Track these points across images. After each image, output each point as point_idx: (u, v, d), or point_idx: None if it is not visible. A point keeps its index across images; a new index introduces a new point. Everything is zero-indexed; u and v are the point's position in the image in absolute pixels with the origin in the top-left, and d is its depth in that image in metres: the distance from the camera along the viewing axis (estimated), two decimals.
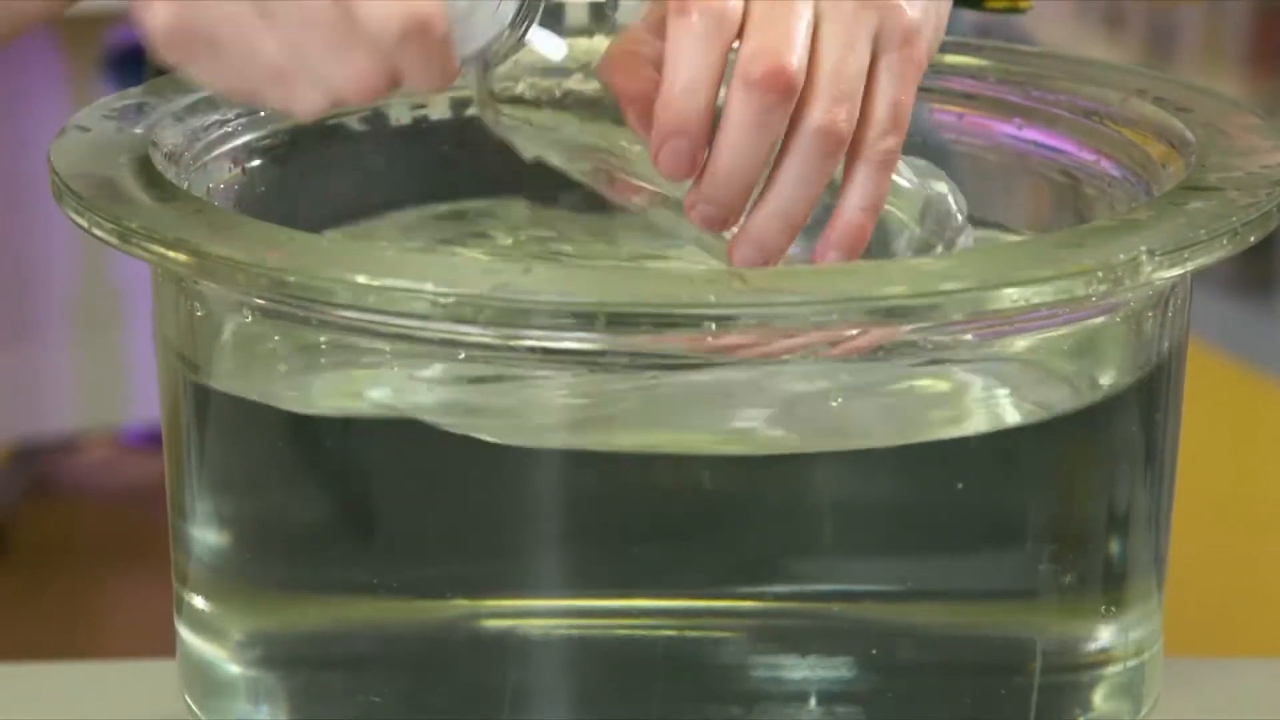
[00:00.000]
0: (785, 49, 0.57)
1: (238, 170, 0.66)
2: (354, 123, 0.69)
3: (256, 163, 0.66)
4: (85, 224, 0.58)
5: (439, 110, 0.69)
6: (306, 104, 0.57)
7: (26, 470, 2.17)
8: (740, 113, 0.57)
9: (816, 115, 0.57)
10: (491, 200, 0.70)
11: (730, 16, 0.57)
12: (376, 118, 0.69)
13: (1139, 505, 0.62)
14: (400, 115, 0.69)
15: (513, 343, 0.56)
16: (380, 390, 0.59)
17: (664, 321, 0.53)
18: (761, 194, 0.58)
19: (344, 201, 0.69)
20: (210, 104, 0.65)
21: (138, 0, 0.57)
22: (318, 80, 0.56)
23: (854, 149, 0.58)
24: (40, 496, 2.16)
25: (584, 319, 0.53)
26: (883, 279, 0.54)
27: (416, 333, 0.57)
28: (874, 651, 0.59)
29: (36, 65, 1.98)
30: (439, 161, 0.70)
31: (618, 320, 0.53)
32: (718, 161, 0.57)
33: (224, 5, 0.56)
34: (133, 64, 1.88)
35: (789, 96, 0.57)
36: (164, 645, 0.71)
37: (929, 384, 0.58)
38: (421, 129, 0.69)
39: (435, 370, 0.58)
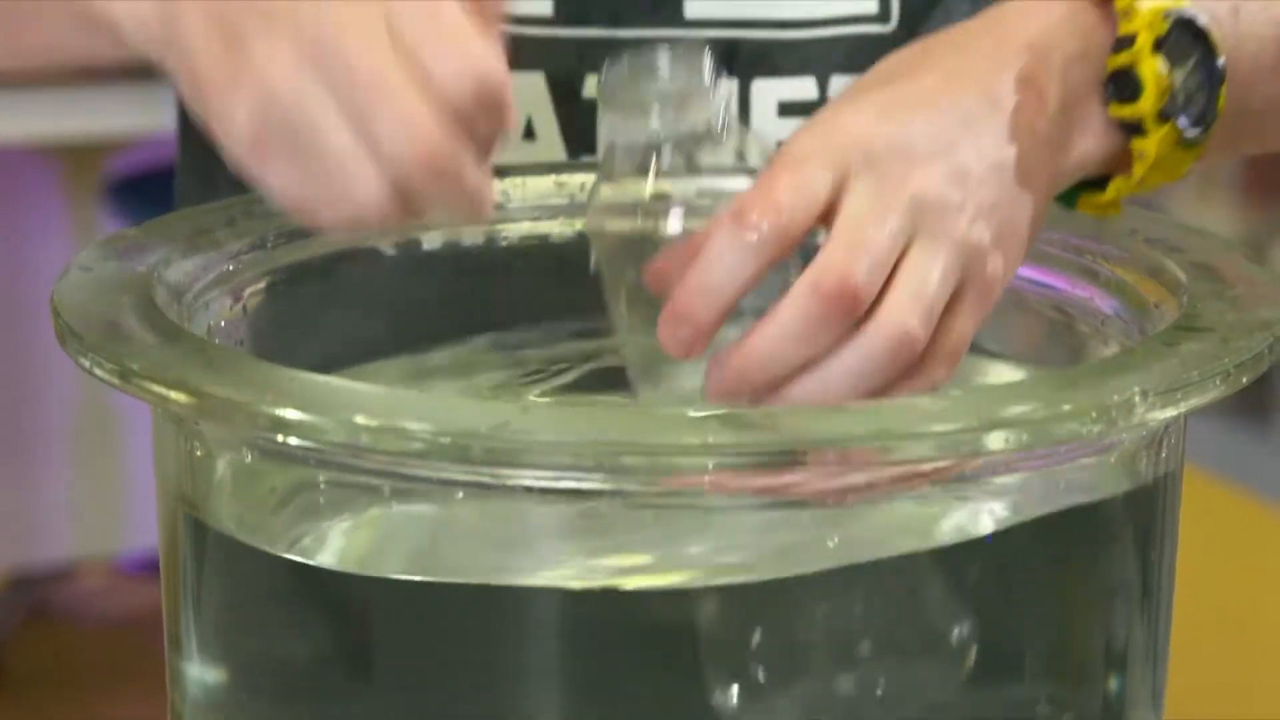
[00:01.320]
0: (861, 267, 0.56)
1: (239, 307, 0.66)
2: (353, 261, 0.69)
3: (258, 299, 0.67)
4: (88, 365, 0.59)
5: (431, 241, 0.70)
6: (369, 191, 0.56)
7: (23, 597, 2.16)
8: (794, 315, 0.57)
9: (890, 321, 0.57)
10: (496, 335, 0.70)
11: (790, 236, 0.57)
12: (373, 254, 0.69)
13: (1136, 641, 0.62)
14: (391, 250, 0.69)
15: (510, 483, 0.56)
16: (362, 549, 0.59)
17: (659, 467, 0.53)
18: (808, 378, 0.57)
19: (342, 338, 0.69)
20: (212, 241, 0.66)
21: (215, 108, 0.57)
22: (384, 158, 0.56)
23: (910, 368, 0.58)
24: (37, 623, 2.15)
25: (581, 460, 0.53)
26: (877, 419, 0.54)
27: (415, 471, 0.57)
28: None
29: (37, 191, 1.99)
30: (436, 299, 0.70)
31: (614, 463, 0.53)
32: (755, 345, 0.57)
33: (302, 93, 0.56)
34: (133, 192, 1.89)
35: (851, 316, 0.57)
36: None
37: (923, 522, 0.59)
38: (419, 264, 0.70)
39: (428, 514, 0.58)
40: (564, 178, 0.71)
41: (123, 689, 2.04)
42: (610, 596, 0.58)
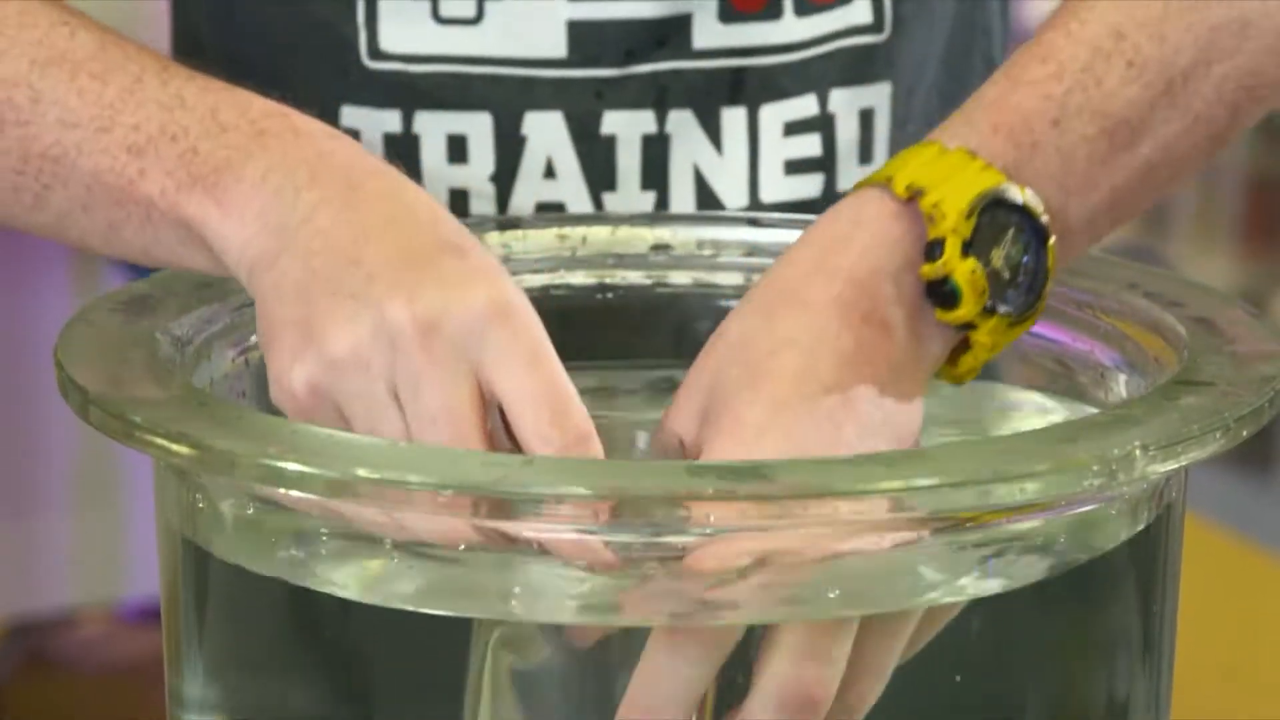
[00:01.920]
0: (820, 687, 0.56)
1: (242, 359, 0.66)
2: None
3: (259, 352, 0.67)
4: (89, 419, 0.59)
5: None
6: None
7: (22, 644, 2.16)
8: None
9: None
10: None
11: (726, 645, 0.56)
12: None
13: (1138, 692, 0.62)
14: None
15: (513, 535, 0.56)
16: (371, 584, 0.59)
17: (659, 520, 0.54)
18: None
19: None
20: (216, 293, 0.66)
21: (274, 366, 0.59)
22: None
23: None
24: (36, 671, 2.14)
25: (584, 512, 0.53)
26: (876, 474, 0.54)
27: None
28: None
29: (39, 242, 2.00)
30: None
31: (616, 515, 0.53)
32: None
33: (358, 384, 0.57)
34: None
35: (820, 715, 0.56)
36: None
37: (921, 572, 0.59)
38: None
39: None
40: (566, 230, 0.71)
41: None
42: (610, 638, 0.58)
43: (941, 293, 0.60)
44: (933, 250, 0.60)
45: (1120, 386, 0.66)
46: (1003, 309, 0.60)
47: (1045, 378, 0.68)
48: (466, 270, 0.58)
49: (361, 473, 0.54)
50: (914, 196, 0.60)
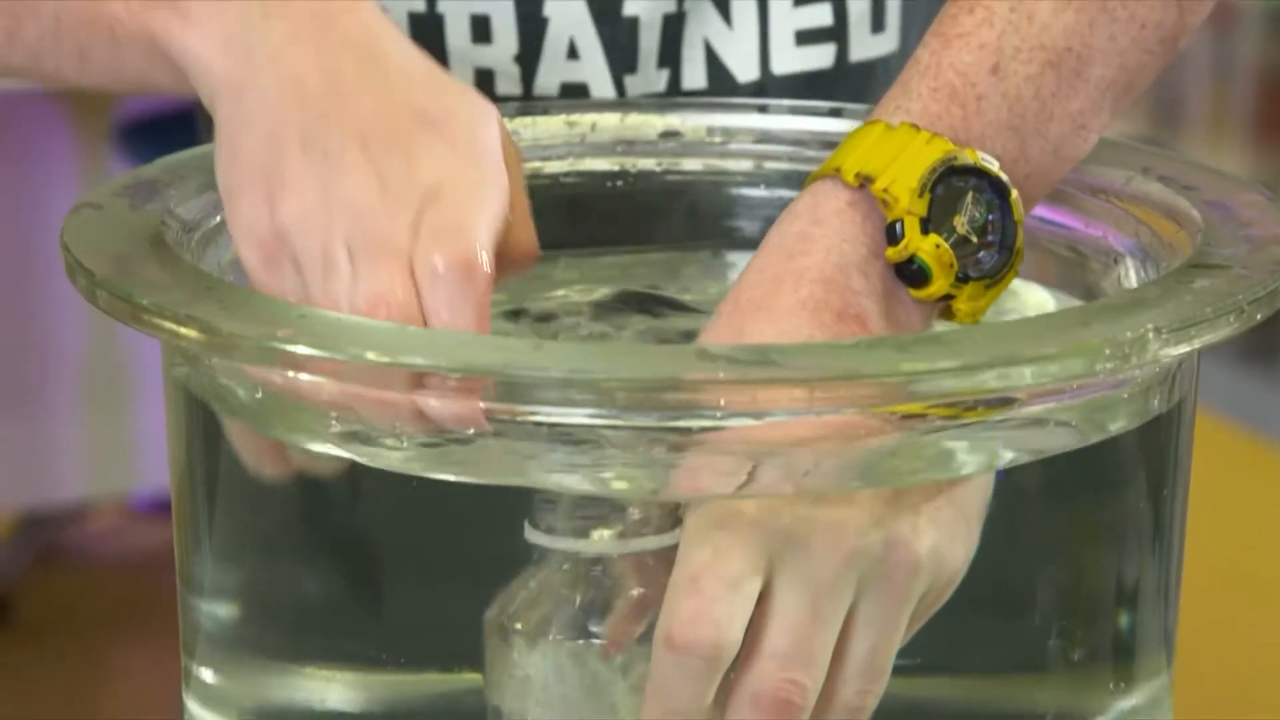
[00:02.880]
0: (802, 671, 0.55)
1: None
2: None
3: None
4: (97, 302, 0.59)
5: None
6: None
7: (35, 538, 2.17)
8: (660, 672, 0.55)
9: (843, 698, 0.56)
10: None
11: (725, 654, 0.55)
12: None
13: (1148, 580, 0.62)
14: None
15: (520, 419, 0.56)
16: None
17: (669, 402, 0.53)
18: None
19: None
20: None
21: (239, 212, 0.59)
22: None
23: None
24: (48, 564, 2.16)
25: (593, 397, 0.53)
26: (891, 357, 0.54)
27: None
28: None
29: (46, 138, 1.99)
30: None
31: (626, 398, 0.53)
32: None
33: (317, 244, 0.58)
34: (142, 136, 1.89)
35: (716, 664, 0.55)
36: (171, 713, 0.71)
37: (937, 459, 0.58)
38: None
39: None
40: (575, 117, 0.71)
41: (134, 628, 2.05)
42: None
43: (910, 272, 0.59)
44: (893, 233, 0.59)
45: (1132, 273, 0.65)
46: (975, 274, 0.60)
47: (1057, 265, 0.68)
48: (437, 154, 0.58)
49: (370, 356, 0.54)
50: (864, 183, 0.59)
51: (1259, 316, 0.57)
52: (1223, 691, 1.72)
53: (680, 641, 0.55)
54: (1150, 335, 0.55)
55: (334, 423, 0.58)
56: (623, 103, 0.73)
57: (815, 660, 0.55)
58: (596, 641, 0.57)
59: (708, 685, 0.55)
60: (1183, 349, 0.56)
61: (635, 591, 0.57)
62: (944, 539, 0.57)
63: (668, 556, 0.56)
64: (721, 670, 0.55)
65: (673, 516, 0.57)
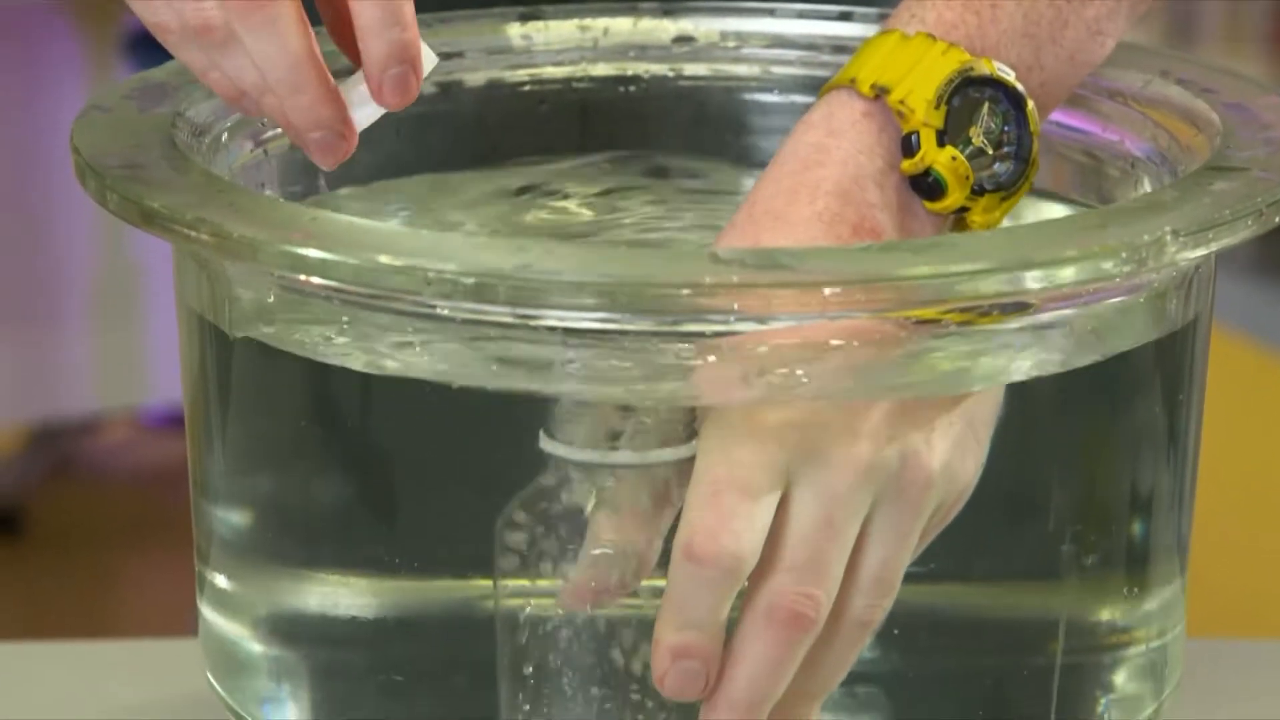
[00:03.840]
0: (816, 585, 0.55)
1: (260, 150, 0.66)
2: None
3: (280, 142, 0.66)
4: (107, 205, 0.58)
5: (473, 79, 0.69)
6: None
7: (47, 451, 2.18)
8: (762, 647, 0.55)
9: (852, 612, 0.56)
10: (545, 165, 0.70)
11: (744, 566, 0.55)
12: None
13: (1162, 487, 0.62)
14: (425, 87, 0.69)
15: (534, 323, 0.56)
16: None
17: (684, 305, 0.53)
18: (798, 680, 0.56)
19: (365, 179, 0.69)
20: None
21: None
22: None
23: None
24: (61, 477, 2.16)
25: (607, 300, 0.53)
26: (904, 260, 0.54)
27: (439, 312, 0.56)
28: (895, 632, 0.59)
29: (54, 47, 1.98)
30: (466, 132, 0.70)
31: (638, 301, 0.53)
32: (735, 688, 0.56)
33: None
34: (152, 45, 1.88)
35: (814, 631, 0.55)
36: (183, 625, 0.71)
37: (945, 360, 0.58)
38: (448, 99, 0.69)
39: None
40: (588, 21, 0.70)
41: (146, 541, 2.06)
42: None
43: (926, 184, 0.59)
44: (909, 145, 0.59)
45: (1148, 180, 0.65)
46: (991, 186, 0.59)
47: (1073, 172, 0.68)
48: None
49: (384, 260, 0.54)
50: (880, 95, 0.59)
51: (1277, 219, 0.57)
52: (1234, 604, 1.73)
53: (700, 553, 0.55)
54: (1167, 238, 0.55)
55: (346, 327, 0.58)
56: (633, 7, 0.72)
57: (829, 574, 0.55)
58: (609, 552, 0.57)
59: (725, 596, 0.55)
60: (1200, 252, 0.56)
61: (649, 503, 0.57)
62: (956, 454, 0.57)
63: (683, 469, 0.56)
64: (740, 582, 0.55)
65: (689, 429, 0.57)
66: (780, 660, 0.55)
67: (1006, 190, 0.60)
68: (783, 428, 0.55)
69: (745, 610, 0.56)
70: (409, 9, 0.59)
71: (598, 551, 0.57)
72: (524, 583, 0.58)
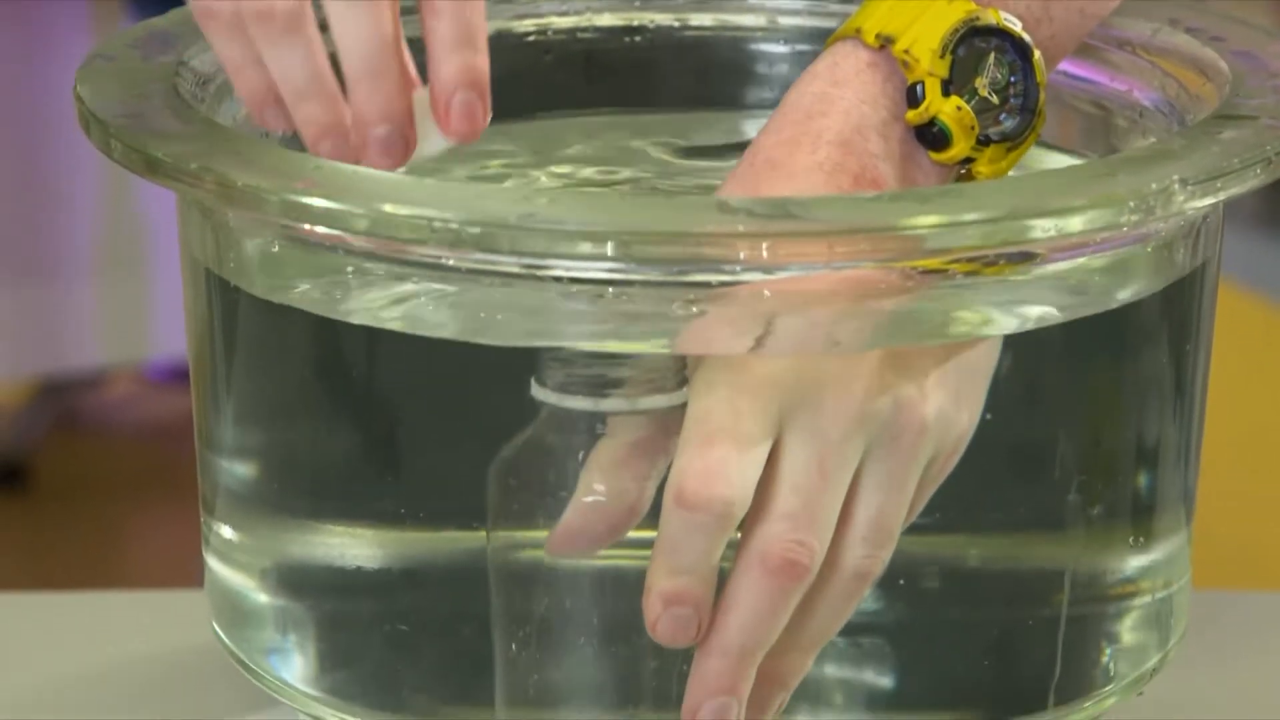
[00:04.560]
0: (809, 532, 0.55)
1: None
2: None
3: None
4: (112, 154, 0.58)
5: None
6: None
7: (52, 405, 2.18)
8: (754, 594, 0.55)
9: (848, 562, 0.56)
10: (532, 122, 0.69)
11: (736, 511, 0.55)
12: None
13: (1168, 437, 0.62)
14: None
15: (540, 273, 0.55)
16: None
17: (689, 256, 0.53)
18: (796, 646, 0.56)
19: None
20: None
21: None
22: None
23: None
24: (65, 431, 2.17)
25: (609, 247, 0.53)
26: (910, 209, 0.54)
27: (443, 261, 0.56)
28: (901, 582, 0.59)
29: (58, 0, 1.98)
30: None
31: (643, 250, 0.53)
32: (727, 635, 0.55)
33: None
34: None
35: (806, 579, 0.55)
36: (188, 581, 0.71)
37: (951, 310, 0.58)
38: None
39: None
40: None
41: (150, 495, 2.06)
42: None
43: (931, 135, 0.59)
44: (914, 95, 0.58)
45: (1157, 129, 0.65)
46: (996, 137, 0.59)
47: (1081, 122, 0.67)
48: None
49: (388, 208, 0.54)
50: (885, 45, 0.59)
51: None
52: (1238, 557, 1.73)
53: (692, 498, 0.55)
54: (1175, 187, 0.55)
55: (351, 277, 0.57)
56: None
57: (822, 522, 0.55)
58: (600, 499, 0.57)
59: (717, 543, 0.55)
60: (1208, 201, 0.56)
61: (640, 451, 0.57)
62: (950, 403, 0.57)
63: (675, 417, 0.56)
64: (731, 528, 0.55)
65: (682, 376, 0.57)
66: (772, 608, 0.55)
67: (1012, 141, 0.60)
68: (775, 375, 0.55)
69: (738, 558, 0.56)
70: (484, 35, 0.57)
71: (589, 499, 0.57)
72: (516, 532, 0.58)
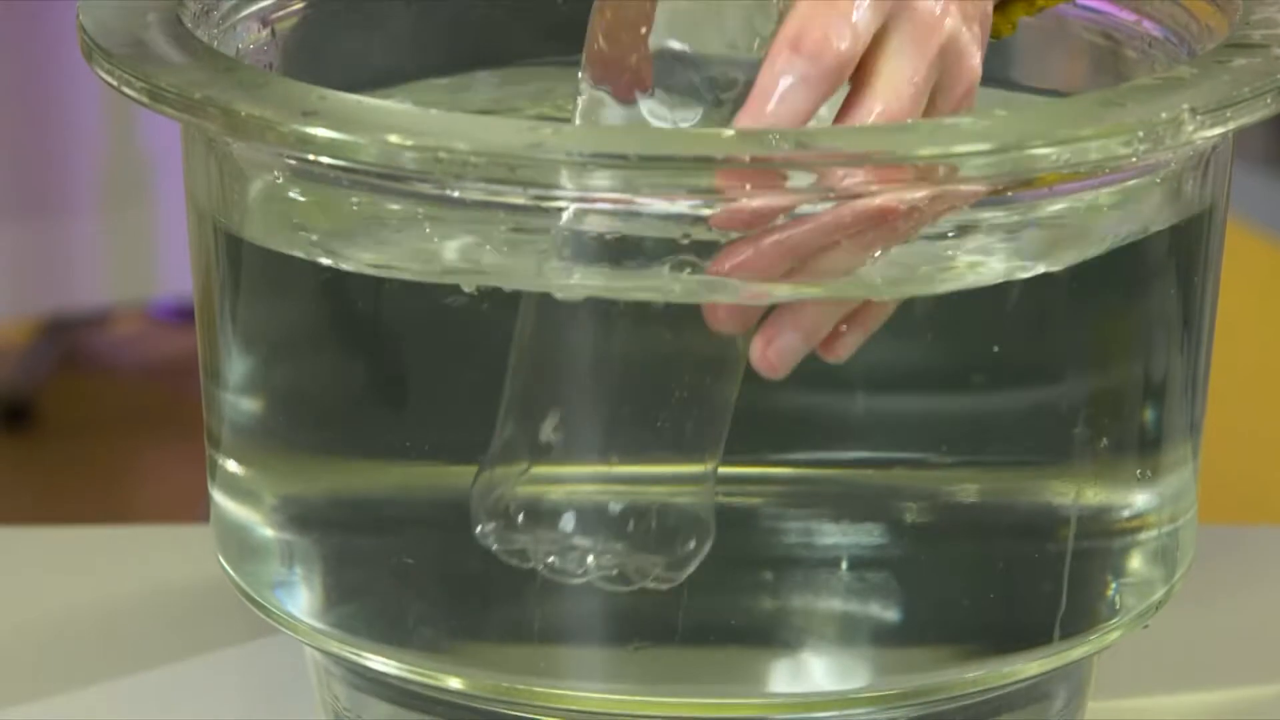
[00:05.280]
0: (838, 33, 0.54)
1: (267, 31, 0.65)
2: None
3: (286, 24, 0.66)
4: (115, 83, 0.58)
5: None
6: None
7: (57, 344, 2.18)
8: (775, 73, 0.54)
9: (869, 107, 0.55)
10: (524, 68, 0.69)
11: (846, 69, 0.54)
12: None
13: (1175, 370, 0.62)
14: None
15: (546, 205, 0.55)
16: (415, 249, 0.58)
17: (695, 184, 0.53)
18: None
19: (375, 66, 0.68)
20: None
21: None
22: None
23: None
24: (70, 370, 2.17)
25: (619, 172, 0.53)
26: (916, 137, 0.53)
27: (449, 194, 0.56)
28: (906, 517, 0.59)
29: None
30: (475, 23, 0.69)
31: (652, 172, 0.53)
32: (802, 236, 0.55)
33: None
34: None
35: (833, 76, 0.54)
36: (193, 518, 0.71)
37: (957, 244, 0.58)
38: None
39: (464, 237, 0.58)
40: None
41: (156, 433, 2.07)
42: (639, 316, 0.57)
43: None
44: None
45: (1167, 60, 0.64)
46: None
47: (1091, 54, 0.67)
48: None
49: (393, 139, 0.54)
50: None
51: None
52: (1244, 492, 1.73)
53: (812, 46, 0.54)
54: (1185, 116, 0.54)
55: (355, 206, 0.57)
56: None
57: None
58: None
59: (818, 99, 0.55)
60: (1218, 130, 0.55)
61: None
62: (964, 31, 0.56)
63: None
64: (836, 86, 0.55)
65: None
66: (789, 90, 0.54)
67: None
68: None
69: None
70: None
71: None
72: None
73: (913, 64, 0.55)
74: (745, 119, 0.55)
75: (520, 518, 0.58)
